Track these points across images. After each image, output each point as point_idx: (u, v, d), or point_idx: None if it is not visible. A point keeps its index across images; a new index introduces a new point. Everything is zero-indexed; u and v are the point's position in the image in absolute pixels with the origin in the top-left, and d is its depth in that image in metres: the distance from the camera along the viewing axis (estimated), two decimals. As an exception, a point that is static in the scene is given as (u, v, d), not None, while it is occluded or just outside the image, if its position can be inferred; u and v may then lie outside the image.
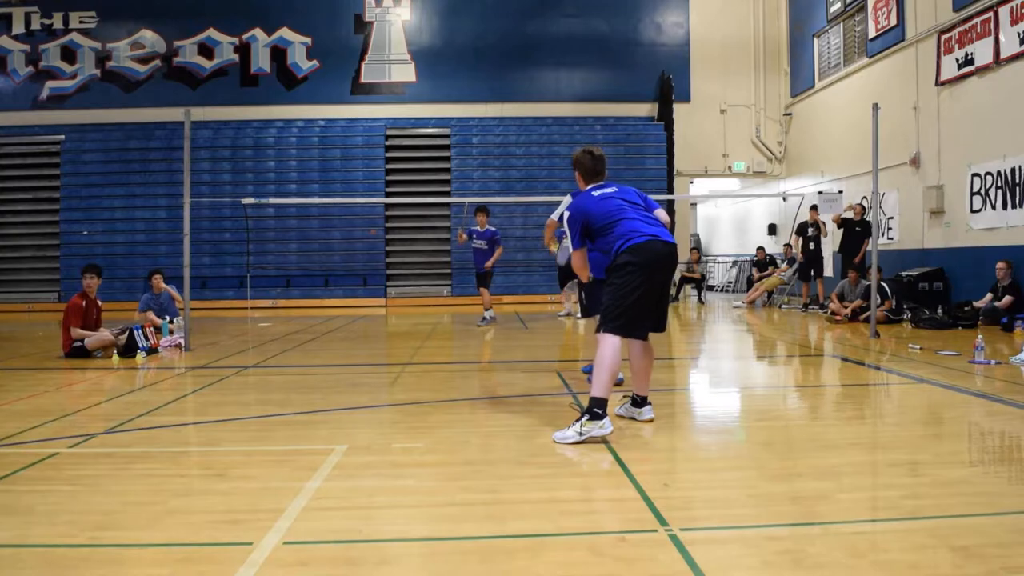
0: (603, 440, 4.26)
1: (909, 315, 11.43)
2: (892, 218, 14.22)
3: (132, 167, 17.87)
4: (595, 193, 4.68)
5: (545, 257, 14.13)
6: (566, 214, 4.70)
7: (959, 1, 12.16)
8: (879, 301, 10.45)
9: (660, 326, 4.68)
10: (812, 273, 14.57)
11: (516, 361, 8.38)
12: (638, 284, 4.36)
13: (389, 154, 18.28)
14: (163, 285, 9.91)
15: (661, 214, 4.75)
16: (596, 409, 4.23)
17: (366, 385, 6.78)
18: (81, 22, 18.49)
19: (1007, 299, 10.38)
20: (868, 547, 2.78)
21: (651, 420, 4.76)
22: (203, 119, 17.25)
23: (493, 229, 12.23)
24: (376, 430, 4.84)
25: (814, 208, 14.65)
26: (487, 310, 12.24)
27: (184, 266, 9.07)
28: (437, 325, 12.67)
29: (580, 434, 4.22)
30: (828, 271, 15.60)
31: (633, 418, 4.83)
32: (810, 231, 14.65)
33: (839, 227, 13.61)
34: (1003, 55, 11.22)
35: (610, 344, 4.35)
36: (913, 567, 2.56)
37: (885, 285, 11.34)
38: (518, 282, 17.26)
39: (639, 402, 4.82)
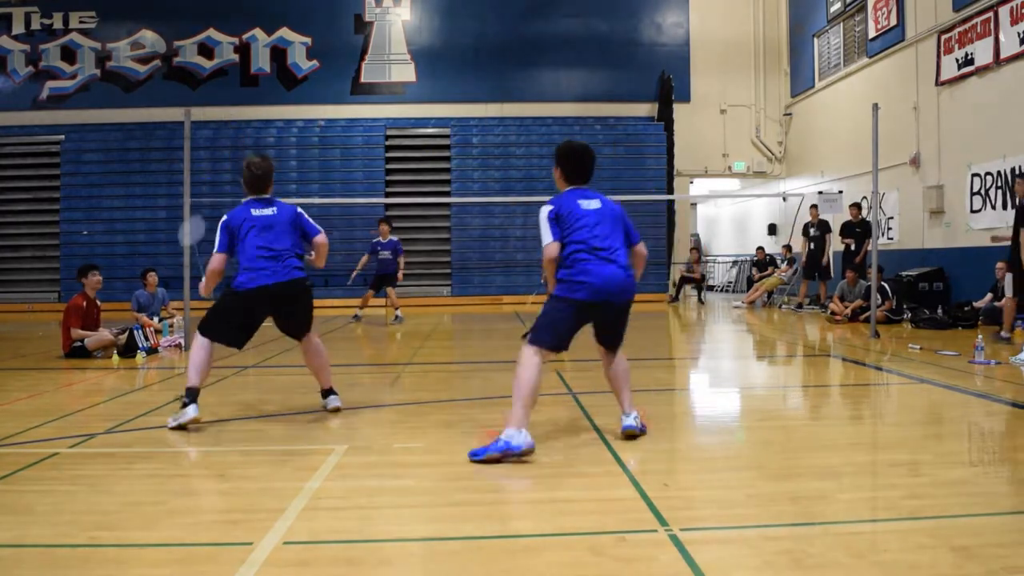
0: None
1: (909, 315, 11.43)
2: (892, 218, 14.22)
3: (132, 167, 17.85)
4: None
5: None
6: None
7: (959, 1, 12.15)
8: (879, 301, 10.45)
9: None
10: (817, 274, 14.54)
11: (516, 361, 8.37)
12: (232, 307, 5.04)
13: (389, 154, 18.27)
14: (156, 283, 9.95)
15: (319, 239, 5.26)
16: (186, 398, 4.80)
17: (366, 385, 6.78)
18: (81, 22, 18.48)
19: (1006, 299, 10.37)
20: (868, 547, 2.78)
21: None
22: (203, 119, 17.21)
23: (396, 239, 13.18)
24: (376, 430, 4.84)
25: (814, 207, 14.66)
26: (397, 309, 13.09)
27: (184, 266, 9.07)
28: (437, 325, 12.67)
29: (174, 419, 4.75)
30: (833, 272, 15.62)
31: None
32: (812, 231, 14.66)
33: (842, 235, 13.58)
34: (1003, 55, 11.21)
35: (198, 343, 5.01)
36: (913, 567, 2.56)
37: (885, 285, 11.35)
38: (518, 282, 17.25)
39: None
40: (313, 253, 5.30)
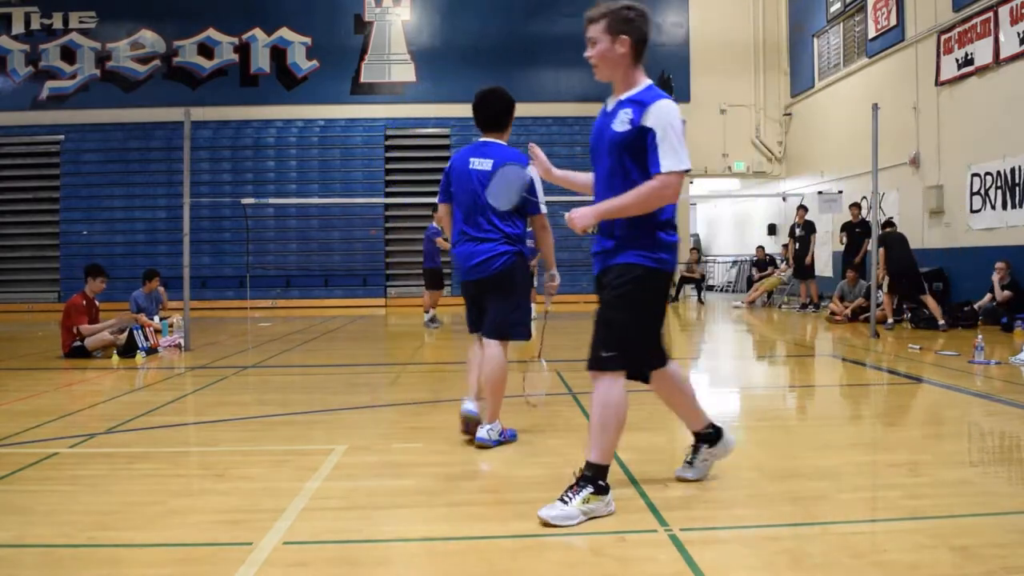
0: None
1: (909, 315, 11.43)
2: (892, 218, 14.21)
3: (132, 167, 17.86)
4: None
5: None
6: None
7: (959, 1, 12.15)
8: (880, 299, 10.48)
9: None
10: (804, 274, 14.66)
11: (516, 361, 8.36)
12: None
13: (389, 154, 18.27)
14: (156, 287, 9.93)
15: None
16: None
17: (366, 385, 6.78)
18: (81, 22, 18.48)
19: (1006, 293, 10.41)
20: (868, 547, 2.78)
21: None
22: (203, 119, 17.23)
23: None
24: (376, 430, 4.84)
25: (801, 208, 14.74)
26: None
27: (184, 266, 9.07)
28: (440, 326, 12.65)
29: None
30: (828, 271, 15.64)
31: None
32: (797, 232, 14.76)
33: (842, 232, 13.62)
34: (1003, 55, 11.21)
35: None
36: (913, 567, 2.56)
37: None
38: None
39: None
40: None
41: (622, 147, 3.09)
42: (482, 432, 4.18)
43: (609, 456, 3.11)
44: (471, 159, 4.22)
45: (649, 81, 3.23)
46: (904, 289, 11.03)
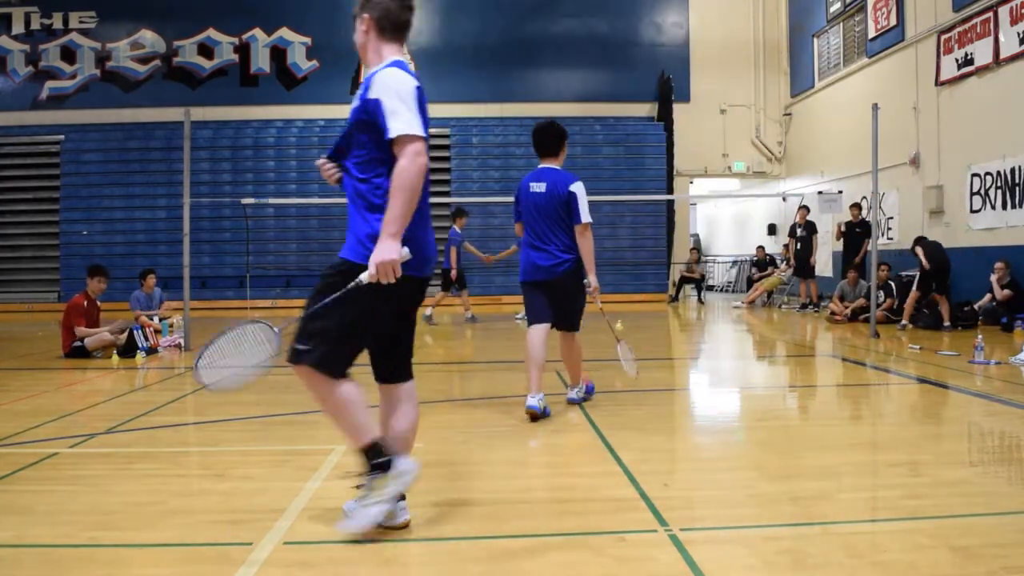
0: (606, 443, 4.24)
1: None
2: (892, 218, 14.21)
3: (132, 167, 17.83)
4: None
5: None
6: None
7: (959, 1, 12.15)
8: (881, 299, 10.48)
9: None
10: (805, 273, 14.69)
11: (516, 361, 8.35)
12: None
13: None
14: (153, 284, 9.94)
15: None
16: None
17: (366, 385, 6.76)
18: (81, 22, 18.47)
19: (1006, 292, 10.42)
20: (868, 547, 2.78)
21: None
22: (203, 119, 17.22)
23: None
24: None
25: (803, 208, 14.75)
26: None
27: (184, 266, 9.07)
28: (437, 325, 12.66)
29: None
30: (828, 271, 15.63)
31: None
32: (799, 231, 14.77)
33: (840, 231, 13.63)
34: (1003, 55, 11.21)
35: None
36: (913, 567, 2.56)
37: (892, 284, 11.43)
38: (518, 282, 17.24)
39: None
40: None
41: (355, 125, 2.91)
42: (572, 394, 5.27)
43: (363, 436, 2.95)
44: (531, 184, 5.07)
45: (395, 58, 2.94)
46: (928, 290, 10.92)
